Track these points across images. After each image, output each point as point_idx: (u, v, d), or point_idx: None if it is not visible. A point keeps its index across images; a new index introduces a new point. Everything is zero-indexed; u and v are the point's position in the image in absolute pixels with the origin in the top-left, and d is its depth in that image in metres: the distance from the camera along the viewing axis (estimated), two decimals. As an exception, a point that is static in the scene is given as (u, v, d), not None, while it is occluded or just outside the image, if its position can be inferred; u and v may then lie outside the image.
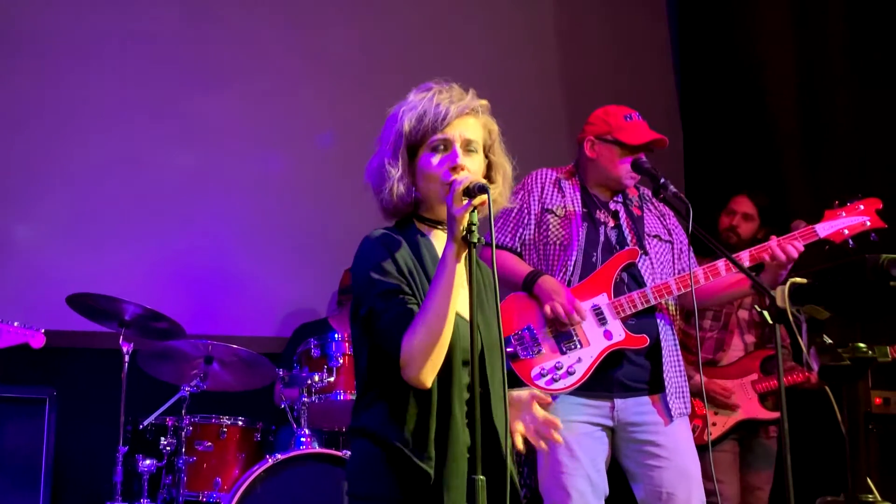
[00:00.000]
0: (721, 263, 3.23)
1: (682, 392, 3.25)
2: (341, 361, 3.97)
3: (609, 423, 3.21)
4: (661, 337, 3.22)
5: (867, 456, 2.02)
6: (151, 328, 4.06)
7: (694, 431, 3.44)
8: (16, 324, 3.84)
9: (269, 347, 4.60)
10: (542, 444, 2.20)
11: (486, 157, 2.19)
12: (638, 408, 3.21)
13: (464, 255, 1.99)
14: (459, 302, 2.02)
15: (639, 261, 3.26)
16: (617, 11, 5.75)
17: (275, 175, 5.04)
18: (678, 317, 3.39)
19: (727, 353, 4.30)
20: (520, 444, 2.21)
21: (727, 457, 4.20)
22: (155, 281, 4.70)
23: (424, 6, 5.44)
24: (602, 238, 3.29)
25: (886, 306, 2.03)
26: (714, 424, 4.16)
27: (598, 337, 3.17)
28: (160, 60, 4.92)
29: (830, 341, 2.04)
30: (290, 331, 4.71)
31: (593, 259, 3.25)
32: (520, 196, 3.32)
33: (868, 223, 3.31)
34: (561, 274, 3.24)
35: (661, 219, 3.42)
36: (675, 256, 3.38)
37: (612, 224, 3.33)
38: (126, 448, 3.87)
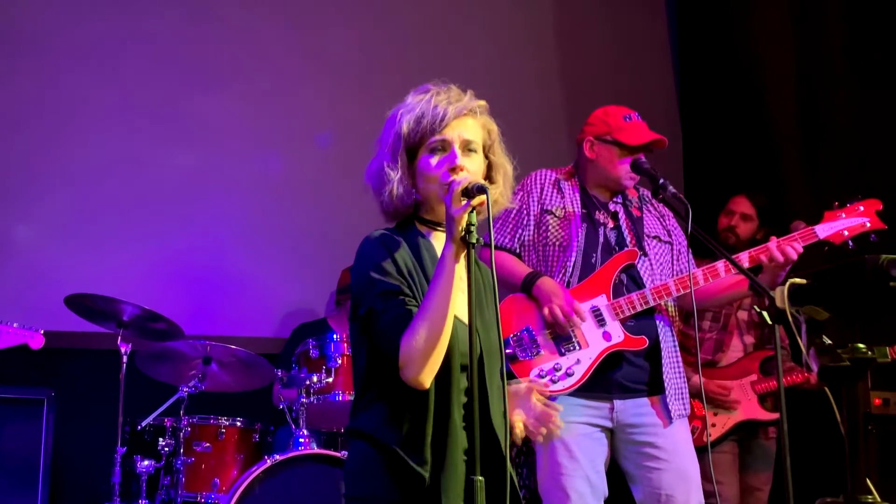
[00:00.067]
0: (720, 265, 3.23)
1: (682, 393, 3.25)
2: (340, 362, 3.97)
3: (608, 424, 3.20)
4: (660, 338, 3.21)
5: (866, 457, 2.02)
6: (150, 329, 4.06)
7: (693, 432, 3.43)
8: (15, 325, 3.83)
9: (268, 348, 4.59)
10: (543, 431, 2.19)
11: (486, 157, 2.19)
12: (637, 409, 3.20)
13: (462, 255, 1.99)
14: (458, 305, 2.02)
15: (638, 262, 3.26)
16: (616, 11, 5.75)
17: (274, 175, 5.04)
18: (677, 318, 3.38)
19: (726, 353, 4.30)
20: (519, 436, 2.20)
21: (726, 458, 4.19)
22: (153, 281, 4.70)
23: (424, 6, 5.43)
24: (601, 239, 3.28)
25: (886, 307, 2.03)
26: (713, 425, 4.15)
27: (596, 338, 3.17)
28: (160, 60, 4.91)
29: (830, 342, 2.04)
30: (288, 331, 4.71)
31: (592, 260, 3.25)
32: (519, 197, 3.31)
33: (868, 224, 3.31)
34: (560, 275, 3.24)
35: (661, 220, 3.42)
36: (675, 258, 3.38)
37: (611, 225, 3.32)
38: (124, 449, 3.86)
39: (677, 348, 3.30)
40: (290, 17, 5.16)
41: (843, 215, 3.31)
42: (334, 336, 4.03)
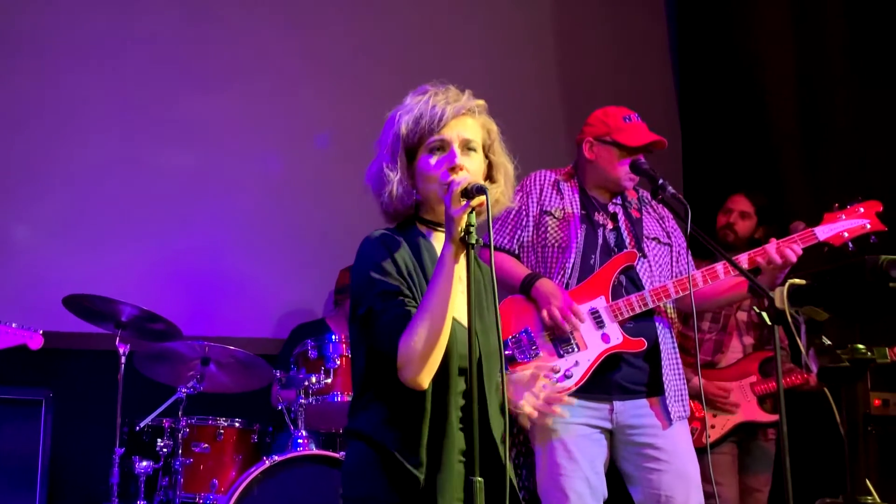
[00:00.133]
0: (720, 267, 3.22)
1: (682, 395, 3.24)
2: (338, 363, 3.96)
3: (608, 425, 3.19)
4: (659, 340, 3.21)
5: (866, 458, 2.02)
6: (148, 329, 4.05)
7: (692, 434, 3.43)
8: (14, 325, 3.82)
9: (266, 349, 4.59)
10: (556, 410, 2.18)
11: (487, 156, 2.18)
12: (636, 410, 3.20)
13: (462, 256, 1.98)
14: (457, 307, 2.02)
15: (637, 264, 3.25)
16: (616, 11, 5.75)
17: (273, 175, 5.04)
18: (677, 320, 3.38)
19: (726, 354, 4.29)
20: (527, 420, 2.21)
21: (726, 459, 4.19)
22: (152, 282, 4.69)
23: (424, 6, 5.43)
24: (600, 240, 3.28)
25: (885, 307, 2.02)
26: (713, 427, 4.15)
27: (595, 340, 3.16)
28: (160, 60, 4.91)
29: (829, 343, 2.03)
30: (287, 332, 4.70)
31: (591, 262, 3.24)
32: (518, 198, 3.30)
33: (868, 226, 3.30)
34: (559, 276, 3.23)
35: (660, 221, 3.41)
36: (674, 259, 3.37)
37: (610, 226, 3.31)
38: (122, 450, 3.86)
39: (677, 350, 3.30)
40: (290, 17, 5.15)
41: (843, 217, 3.30)
42: (333, 337, 4.03)
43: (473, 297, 1.94)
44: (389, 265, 2.06)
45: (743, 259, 3.19)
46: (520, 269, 3.26)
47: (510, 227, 3.34)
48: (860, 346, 2.02)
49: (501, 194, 2.18)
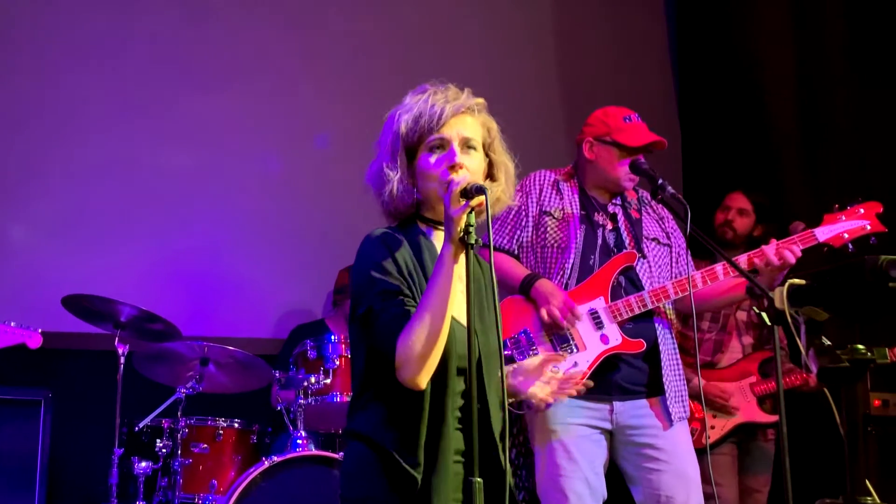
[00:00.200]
0: (719, 267, 3.22)
1: (682, 396, 3.24)
2: (338, 363, 3.96)
3: (608, 426, 3.19)
4: (659, 341, 3.20)
5: (866, 458, 2.01)
6: (147, 330, 4.05)
7: (692, 434, 3.42)
8: (13, 324, 3.82)
9: (266, 349, 4.58)
10: (572, 392, 2.25)
11: (487, 155, 2.18)
12: (636, 411, 3.20)
13: (461, 255, 1.98)
14: (456, 306, 2.01)
15: (637, 264, 3.25)
16: (616, 11, 5.75)
17: (273, 175, 5.03)
18: (676, 320, 3.37)
19: (725, 354, 4.29)
20: (541, 403, 2.27)
21: (726, 460, 4.18)
22: (151, 282, 4.69)
23: (424, 6, 5.43)
24: (600, 241, 3.27)
25: (885, 308, 2.02)
26: (712, 427, 4.14)
27: (594, 341, 3.16)
28: (160, 60, 4.91)
29: (829, 343, 2.03)
30: (286, 332, 4.70)
31: (591, 262, 3.24)
32: (518, 198, 3.29)
33: (868, 227, 3.29)
34: (558, 277, 3.23)
35: (660, 222, 3.40)
36: (673, 260, 3.36)
37: (610, 227, 3.31)
38: (122, 450, 3.85)
39: (677, 351, 3.29)
40: (290, 17, 5.15)
41: (843, 218, 3.29)
42: (332, 337, 4.02)
43: (473, 296, 1.93)
44: (390, 264, 2.06)
45: (742, 260, 3.18)
46: (519, 270, 3.26)
47: (509, 227, 3.34)
48: (860, 346, 2.02)
49: (502, 192, 2.17)
